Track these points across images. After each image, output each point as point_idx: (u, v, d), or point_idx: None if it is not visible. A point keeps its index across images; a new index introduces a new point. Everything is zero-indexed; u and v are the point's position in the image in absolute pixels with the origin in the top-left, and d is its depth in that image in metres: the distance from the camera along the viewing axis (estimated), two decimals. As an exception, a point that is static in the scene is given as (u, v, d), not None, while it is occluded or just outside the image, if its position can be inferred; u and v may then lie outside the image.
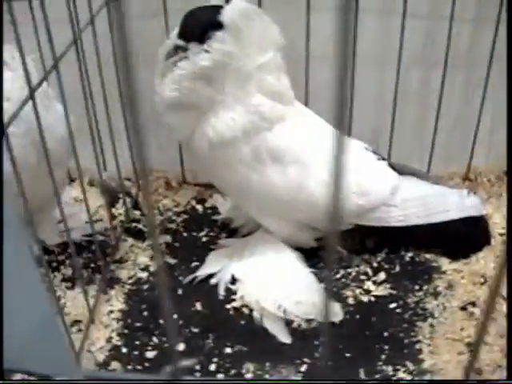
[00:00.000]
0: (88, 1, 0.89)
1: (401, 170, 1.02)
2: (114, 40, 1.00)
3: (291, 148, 0.94)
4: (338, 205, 0.32)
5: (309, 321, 0.92)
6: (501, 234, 1.06)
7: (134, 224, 1.11)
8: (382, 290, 0.97)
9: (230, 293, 0.97)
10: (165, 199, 1.18)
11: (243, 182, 0.94)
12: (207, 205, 1.17)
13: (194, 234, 1.10)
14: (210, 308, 0.95)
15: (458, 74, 1.09)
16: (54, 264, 1.03)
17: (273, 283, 0.95)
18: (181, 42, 0.87)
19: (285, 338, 0.90)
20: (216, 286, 0.98)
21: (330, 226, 0.32)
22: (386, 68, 1.08)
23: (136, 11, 0.97)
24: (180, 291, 0.98)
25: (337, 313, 0.93)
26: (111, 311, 0.95)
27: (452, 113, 1.14)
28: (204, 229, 1.10)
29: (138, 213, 1.14)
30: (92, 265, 1.02)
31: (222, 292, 0.97)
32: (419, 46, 1.07)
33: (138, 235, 1.08)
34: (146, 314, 0.95)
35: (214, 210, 1.14)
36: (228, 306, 0.95)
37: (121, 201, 1.13)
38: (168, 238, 1.08)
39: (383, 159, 1.01)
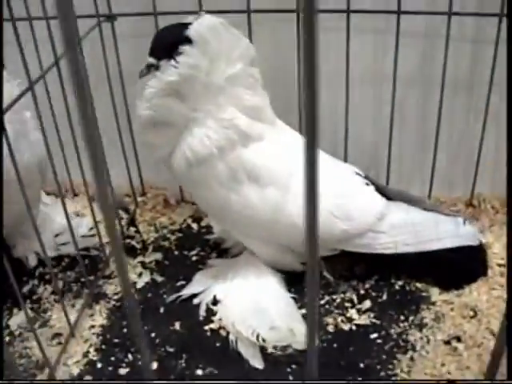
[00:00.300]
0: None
1: (394, 196, 0.99)
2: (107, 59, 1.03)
3: (269, 168, 0.92)
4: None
5: (284, 347, 0.91)
6: (499, 265, 1.01)
7: (127, 240, 1.13)
8: (364, 319, 0.94)
9: (210, 314, 0.97)
10: (162, 217, 1.19)
11: (221, 201, 0.93)
12: (202, 224, 1.17)
13: (186, 252, 1.10)
14: (189, 328, 0.95)
15: (459, 96, 1.05)
16: (47, 277, 1.06)
17: (250, 307, 0.94)
18: (152, 60, 0.88)
19: (257, 363, 0.88)
20: (198, 306, 0.98)
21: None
22: (382, 89, 1.06)
23: (129, 31, 0.99)
24: (162, 309, 0.98)
25: (312, 340, 0.91)
26: (92, 326, 0.96)
27: (454, 136, 1.09)
28: (196, 248, 1.10)
29: (133, 229, 1.16)
30: (82, 279, 1.04)
31: (202, 313, 0.97)
32: (416, 67, 1.04)
33: (130, 252, 1.10)
34: (125, 330, 0.95)
35: (209, 229, 1.14)
36: (206, 327, 0.95)
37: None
38: (159, 256, 1.09)
39: (373, 184, 0.98)
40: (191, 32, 0.85)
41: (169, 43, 0.87)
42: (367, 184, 0.98)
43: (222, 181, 0.92)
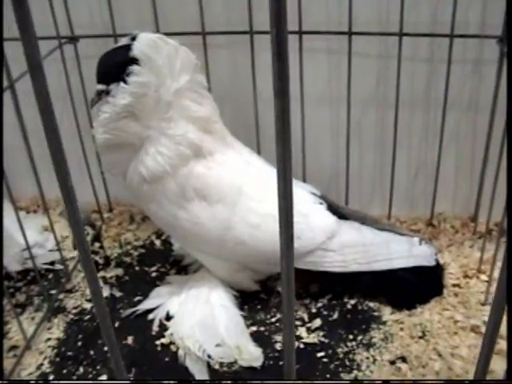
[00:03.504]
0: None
1: (349, 215, 1.00)
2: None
3: (217, 186, 0.93)
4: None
5: (231, 364, 0.91)
6: (454, 285, 1.00)
7: (91, 255, 1.14)
8: (313, 338, 0.94)
9: (162, 329, 0.98)
10: (127, 233, 1.21)
11: (171, 218, 0.94)
12: (165, 240, 1.18)
13: (146, 268, 1.11)
14: (141, 343, 0.96)
15: (415, 116, 1.06)
16: (11, 290, 1.08)
17: (199, 323, 0.95)
18: (101, 87, 0.90)
19: (203, 378, 0.90)
20: (152, 321, 0.99)
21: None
22: (339, 110, 1.06)
23: (90, 52, 1.02)
24: (117, 324, 0.99)
25: (257, 357, 0.91)
26: (49, 339, 0.98)
27: (412, 156, 1.10)
28: (156, 264, 1.12)
29: (98, 245, 1.18)
30: (45, 293, 1.06)
31: (155, 328, 0.98)
32: (371, 87, 1.05)
33: (93, 267, 1.12)
34: (79, 344, 0.97)
35: (171, 246, 1.15)
36: (157, 342, 0.96)
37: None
38: (120, 272, 1.11)
39: (327, 203, 0.99)
40: (135, 52, 0.87)
41: (115, 67, 0.89)
42: (321, 203, 0.99)
43: (171, 198, 0.93)
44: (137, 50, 0.88)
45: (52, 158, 0.35)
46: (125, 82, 0.88)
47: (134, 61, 0.88)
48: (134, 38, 0.89)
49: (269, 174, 0.99)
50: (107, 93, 0.90)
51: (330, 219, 0.97)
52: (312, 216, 0.96)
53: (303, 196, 0.98)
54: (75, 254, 1.15)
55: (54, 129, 0.33)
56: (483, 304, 0.96)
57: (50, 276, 1.12)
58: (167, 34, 0.95)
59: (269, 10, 0.29)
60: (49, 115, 0.33)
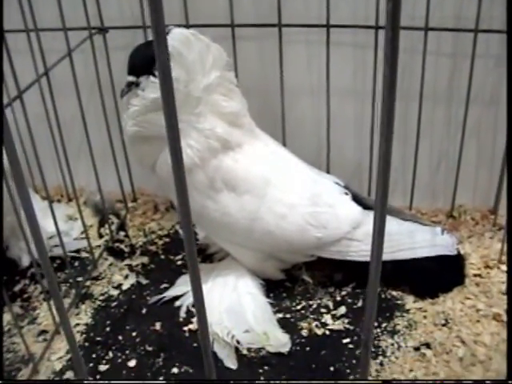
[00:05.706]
0: (65, 33, 0.96)
1: (373, 206, 1.02)
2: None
3: (246, 177, 0.95)
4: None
5: (258, 349, 0.93)
6: (475, 275, 1.02)
7: (116, 244, 1.17)
8: (338, 325, 0.96)
9: (190, 315, 1.00)
10: (151, 222, 1.23)
11: (199, 208, 0.96)
12: (190, 230, 1.20)
13: (171, 257, 1.14)
14: (168, 329, 0.98)
15: (438, 109, 1.08)
16: (39, 276, 1.10)
17: (227, 309, 0.97)
18: (131, 78, 0.92)
19: (231, 363, 0.91)
20: (179, 308, 1.01)
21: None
22: (364, 102, 1.08)
23: (120, 43, 1.04)
24: (144, 310, 1.02)
25: (285, 343, 0.93)
26: (77, 324, 1.00)
27: (434, 148, 1.12)
28: (181, 253, 1.14)
29: (123, 234, 1.20)
30: (70, 280, 1.08)
31: (182, 314, 1.00)
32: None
33: (119, 255, 1.14)
34: (108, 329, 0.99)
35: (196, 235, 1.17)
36: (185, 328, 0.98)
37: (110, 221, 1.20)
38: (145, 260, 1.13)
39: (352, 194, 1.01)
40: None
41: (146, 60, 0.90)
42: (346, 193, 1.01)
43: (200, 188, 0.95)
44: (168, 44, 0.89)
45: (170, 146, 0.36)
46: (154, 75, 0.90)
47: None
48: (166, 33, 0.90)
49: (295, 165, 1.01)
50: (137, 85, 0.93)
51: (355, 209, 0.99)
52: (338, 206, 0.99)
53: (329, 186, 1.00)
54: (100, 242, 1.18)
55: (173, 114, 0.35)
56: (504, 294, 0.99)
57: (76, 264, 1.14)
58: (196, 26, 0.97)
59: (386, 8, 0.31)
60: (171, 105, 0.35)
